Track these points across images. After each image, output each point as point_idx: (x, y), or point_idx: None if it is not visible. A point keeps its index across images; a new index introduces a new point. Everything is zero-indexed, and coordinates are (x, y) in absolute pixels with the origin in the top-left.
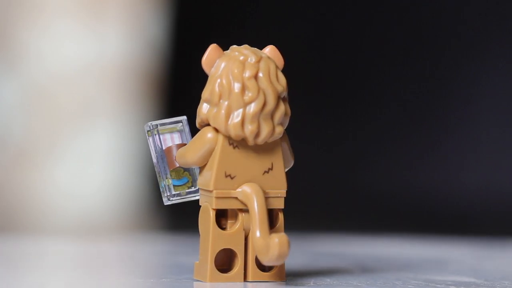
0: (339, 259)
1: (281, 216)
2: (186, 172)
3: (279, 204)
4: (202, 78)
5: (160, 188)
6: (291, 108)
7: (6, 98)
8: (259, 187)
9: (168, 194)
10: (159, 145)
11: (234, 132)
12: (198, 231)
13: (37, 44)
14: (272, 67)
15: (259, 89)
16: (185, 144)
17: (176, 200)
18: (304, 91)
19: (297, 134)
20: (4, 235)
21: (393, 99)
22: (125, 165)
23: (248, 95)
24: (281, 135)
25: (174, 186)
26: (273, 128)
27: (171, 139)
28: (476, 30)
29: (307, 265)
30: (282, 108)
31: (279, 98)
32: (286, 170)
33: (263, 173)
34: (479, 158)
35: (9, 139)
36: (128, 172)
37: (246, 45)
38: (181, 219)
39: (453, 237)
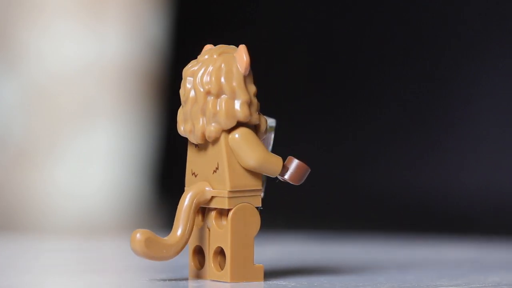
0: (338, 258)
1: (229, 216)
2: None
3: (222, 204)
4: None
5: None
6: (287, 108)
7: (6, 98)
8: (196, 186)
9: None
10: (271, 139)
11: (178, 131)
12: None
13: (37, 44)
14: (210, 66)
15: (190, 88)
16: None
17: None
18: (304, 91)
19: (297, 134)
20: (4, 235)
21: (393, 99)
22: (125, 165)
23: (183, 94)
24: (216, 134)
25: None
26: (204, 127)
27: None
28: (476, 30)
29: (307, 264)
30: (210, 107)
31: (206, 97)
32: (272, 173)
33: (213, 172)
34: (479, 158)
35: (9, 139)
36: (128, 172)
37: (220, 45)
38: None
39: (453, 237)
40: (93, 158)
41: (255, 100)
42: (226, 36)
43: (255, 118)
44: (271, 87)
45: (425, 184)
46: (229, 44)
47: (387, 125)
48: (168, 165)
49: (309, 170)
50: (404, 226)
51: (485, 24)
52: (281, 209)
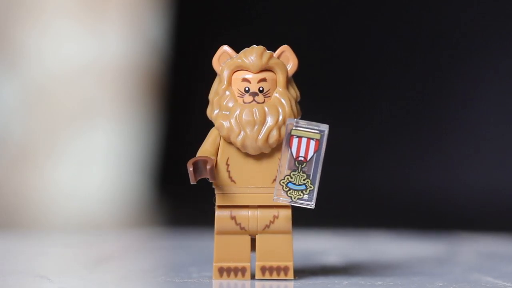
0: (337, 257)
1: None
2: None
3: None
4: (201, 78)
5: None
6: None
7: (6, 98)
8: None
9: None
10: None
11: None
12: (197, 229)
13: (37, 44)
14: None
15: None
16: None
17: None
18: (304, 91)
19: None
20: (4, 234)
21: (393, 99)
22: (125, 164)
23: None
24: None
25: (290, 188)
26: None
27: (303, 144)
28: (476, 30)
29: (306, 263)
30: None
31: None
32: None
33: None
34: (479, 158)
35: (9, 139)
36: (128, 172)
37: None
38: (181, 217)
39: (453, 236)
40: (93, 158)
41: (211, 100)
42: (226, 36)
43: (211, 117)
44: None
45: (425, 184)
46: (229, 44)
47: (387, 125)
48: (168, 164)
49: (191, 174)
50: (403, 226)
51: (485, 24)
52: None
